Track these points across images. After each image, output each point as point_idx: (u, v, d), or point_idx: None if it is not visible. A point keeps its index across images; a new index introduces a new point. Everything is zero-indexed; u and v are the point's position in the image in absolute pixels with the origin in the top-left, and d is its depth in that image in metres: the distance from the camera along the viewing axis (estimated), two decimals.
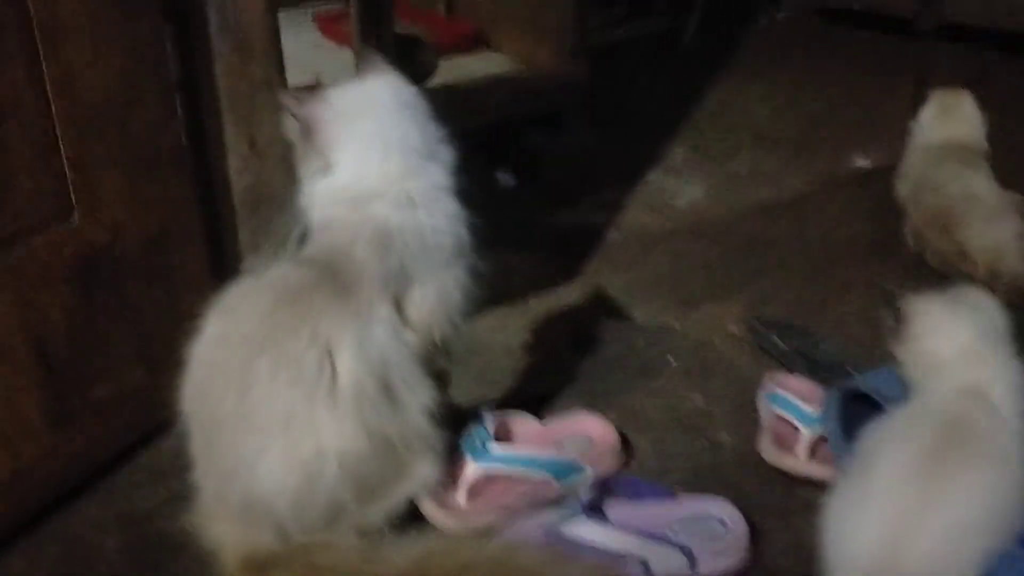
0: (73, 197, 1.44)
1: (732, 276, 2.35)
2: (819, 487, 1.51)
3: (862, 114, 3.60)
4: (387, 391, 1.31)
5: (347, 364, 1.26)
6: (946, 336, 1.35)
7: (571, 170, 3.32)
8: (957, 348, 1.34)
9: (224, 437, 1.28)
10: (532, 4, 3.33)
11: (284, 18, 2.94)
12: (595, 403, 1.75)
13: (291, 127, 1.38)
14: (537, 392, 1.80)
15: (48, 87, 1.37)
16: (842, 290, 2.24)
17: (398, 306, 1.33)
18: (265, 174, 1.68)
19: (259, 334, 1.25)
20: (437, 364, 1.42)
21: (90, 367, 1.54)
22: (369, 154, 1.34)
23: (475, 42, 3.47)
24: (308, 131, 1.36)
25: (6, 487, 1.45)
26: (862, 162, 3.30)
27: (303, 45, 2.90)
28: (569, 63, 3.29)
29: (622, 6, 4.21)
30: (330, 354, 1.25)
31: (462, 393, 1.76)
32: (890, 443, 1.27)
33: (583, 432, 1.63)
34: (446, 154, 1.40)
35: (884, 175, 2.57)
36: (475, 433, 1.50)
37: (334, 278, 1.28)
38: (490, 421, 1.52)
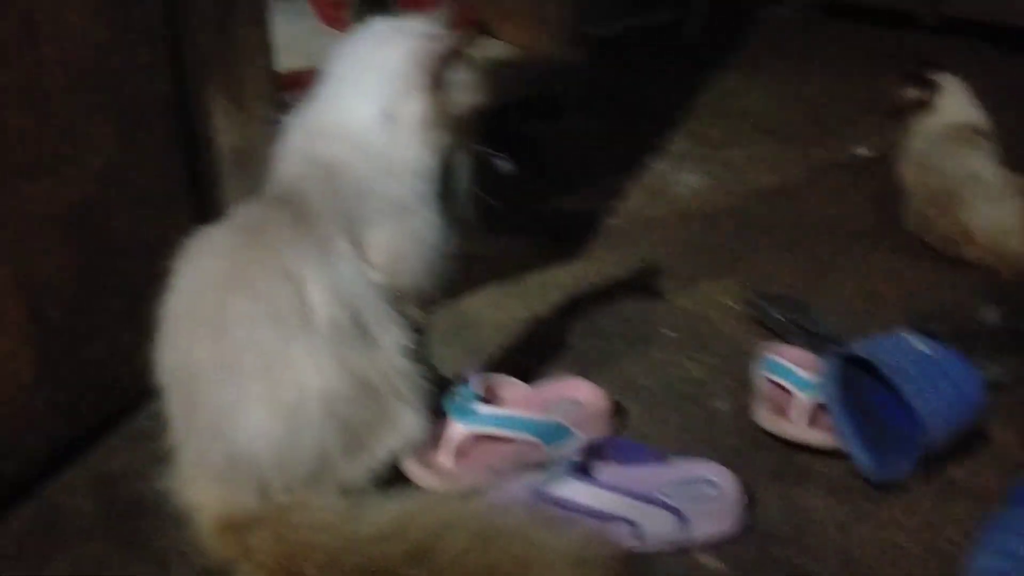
0: (63, 145, 1.37)
1: (729, 256, 2.28)
2: (816, 452, 1.45)
3: (862, 105, 3.52)
4: (360, 328, 1.27)
5: (319, 298, 1.22)
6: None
7: (571, 157, 3.29)
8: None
9: (202, 389, 1.22)
10: None
11: (280, 5, 2.74)
12: (587, 372, 1.68)
13: None
14: (528, 364, 1.74)
15: (39, 27, 1.30)
16: (838, 268, 2.17)
17: (357, 246, 1.29)
18: (251, 132, 1.61)
19: (229, 275, 1.22)
20: (409, 314, 1.36)
21: (81, 325, 1.46)
22: (337, 93, 1.31)
23: (475, 29, 3.41)
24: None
25: None
26: (861, 150, 3.23)
27: (300, 31, 2.87)
28: (568, 50, 3.19)
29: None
30: (302, 289, 1.21)
31: (451, 367, 1.70)
32: None
33: (572, 396, 1.56)
34: (411, 118, 1.33)
35: (882, 162, 2.52)
36: (461, 393, 1.43)
37: (292, 212, 1.25)
38: (477, 382, 1.45)
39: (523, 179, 3.10)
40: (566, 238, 2.68)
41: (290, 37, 2.50)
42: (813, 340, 1.75)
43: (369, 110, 1.29)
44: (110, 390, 1.53)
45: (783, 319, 1.82)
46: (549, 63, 3.20)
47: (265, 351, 1.20)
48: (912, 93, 2.38)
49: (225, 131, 1.61)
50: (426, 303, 1.39)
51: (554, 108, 3.31)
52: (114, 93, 1.44)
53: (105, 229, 1.47)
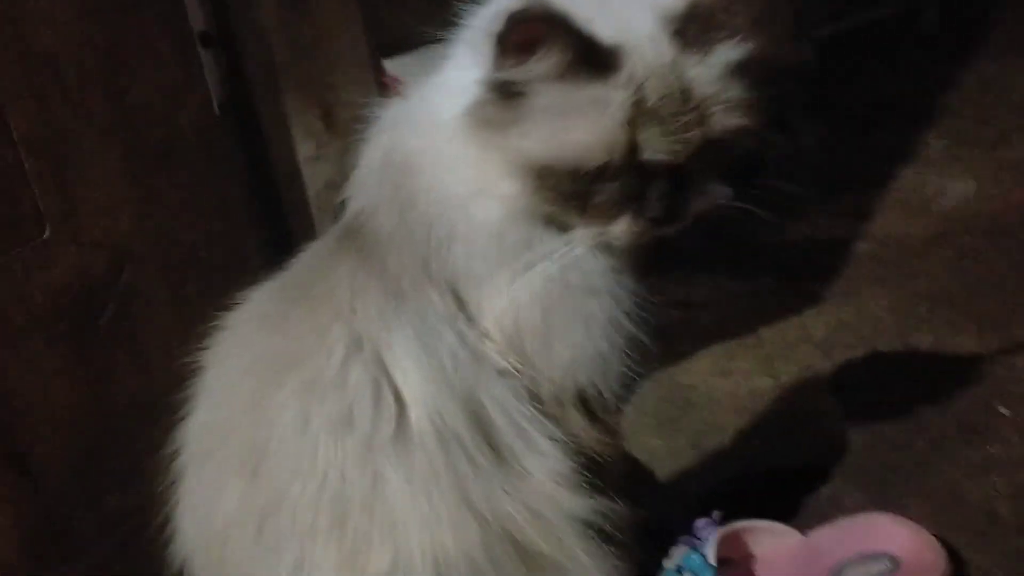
0: (40, 203, 0.98)
1: None
2: None
3: None
4: (487, 440, 0.83)
5: (414, 384, 0.81)
6: None
7: (799, 174, 2.80)
8: None
9: (235, 560, 0.82)
10: None
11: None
12: (887, 489, 1.22)
13: None
14: (785, 466, 1.34)
15: None
16: None
17: (462, 305, 0.84)
18: (350, 160, 1.13)
19: (268, 359, 0.82)
20: (570, 426, 0.86)
21: (88, 471, 1.06)
22: (437, 74, 0.85)
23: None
24: None
25: None
26: None
27: None
28: (786, 49, 2.88)
29: None
30: (385, 368, 0.81)
31: (669, 464, 1.41)
32: None
33: (878, 548, 1.07)
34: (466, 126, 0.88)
35: None
36: (685, 562, 1.00)
37: (359, 247, 0.84)
38: (711, 538, 1.02)
39: (743, 205, 2.87)
40: (805, 275, 2.27)
41: None
42: None
43: (452, 97, 0.81)
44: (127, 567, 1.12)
45: None
46: (765, 65, 2.92)
47: (332, 486, 0.79)
48: None
49: (313, 162, 1.19)
50: (599, 410, 0.89)
51: (776, 118, 2.79)
52: (122, 120, 1.03)
53: (122, 320, 1.05)
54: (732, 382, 1.64)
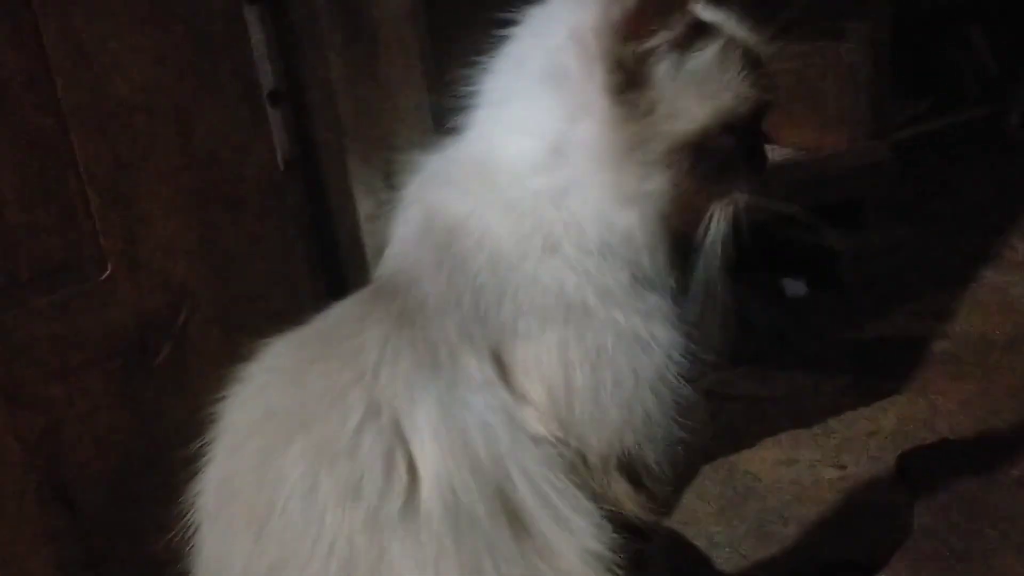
0: (103, 241, 0.95)
1: None
2: None
3: None
4: (510, 516, 0.76)
5: (430, 456, 0.75)
6: None
7: (878, 272, 2.84)
8: None
9: None
10: (819, 89, 2.90)
11: None
12: None
13: None
14: (851, 557, 1.30)
15: (54, 73, 0.90)
16: None
17: (499, 368, 0.78)
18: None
19: (281, 411, 0.78)
20: (615, 500, 0.80)
21: (132, 514, 1.02)
22: (482, 118, 0.82)
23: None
24: None
25: None
26: None
27: None
28: (867, 146, 2.86)
29: (928, 98, 3.71)
30: (403, 437, 0.75)
31: (728, 552, 1.38)
32: None
33: None
34: (584, 148, 0.84)
35: None
36: None
37: (396, 309, 0.79)
38: None
39: (819, 302, 2.74)
40: (882, 372, 2.23)
41: None
42: None
43: (521, 143, 0.79)
44: None
45: None
46: (843, 160, 2.87)
47: (340, 553, 0.74)
48: None
49: (374, 220, 1.16)
50: (646, 481, 0.83)
51: (854, 215, 2.90)
52: (187, 166, 1.02)
53: (179, 362, 1.02)
54: (797, 471, 1.59)
